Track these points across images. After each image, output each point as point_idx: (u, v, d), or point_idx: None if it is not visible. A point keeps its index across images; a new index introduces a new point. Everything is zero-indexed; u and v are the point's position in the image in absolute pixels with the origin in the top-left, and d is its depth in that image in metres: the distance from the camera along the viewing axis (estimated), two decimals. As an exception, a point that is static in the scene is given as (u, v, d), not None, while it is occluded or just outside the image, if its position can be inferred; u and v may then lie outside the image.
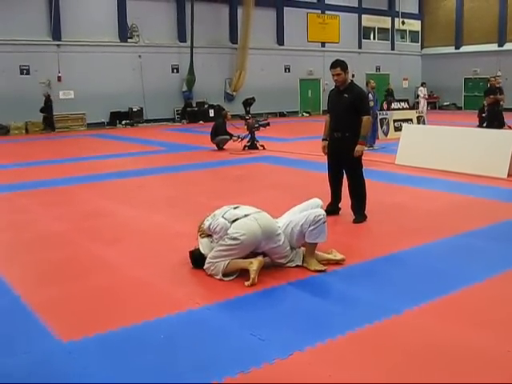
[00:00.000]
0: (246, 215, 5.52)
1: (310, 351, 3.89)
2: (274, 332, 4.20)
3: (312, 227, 5.55)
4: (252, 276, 5.17)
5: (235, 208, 5.70)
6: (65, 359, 3.86)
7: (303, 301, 4.90)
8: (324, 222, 5.62)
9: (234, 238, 5.34)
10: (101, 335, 4.18)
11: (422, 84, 32.84)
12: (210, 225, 5.53)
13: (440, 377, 3.55)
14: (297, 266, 5.67)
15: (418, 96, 33.17)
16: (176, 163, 13.87)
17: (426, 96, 32.45)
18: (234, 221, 5.45)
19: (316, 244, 5.67)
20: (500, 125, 18.10)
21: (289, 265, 5.69)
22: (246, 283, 5.15)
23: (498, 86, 19.58)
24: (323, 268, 5.58)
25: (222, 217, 5.53)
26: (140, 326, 4.33)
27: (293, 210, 5.97)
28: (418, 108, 28.99)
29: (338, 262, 5.76)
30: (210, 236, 5.65)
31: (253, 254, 5.53)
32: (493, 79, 19.59)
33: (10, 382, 3.57)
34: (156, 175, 12.02)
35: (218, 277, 5.35)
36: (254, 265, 5.24)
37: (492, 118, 18.41)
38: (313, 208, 5.84)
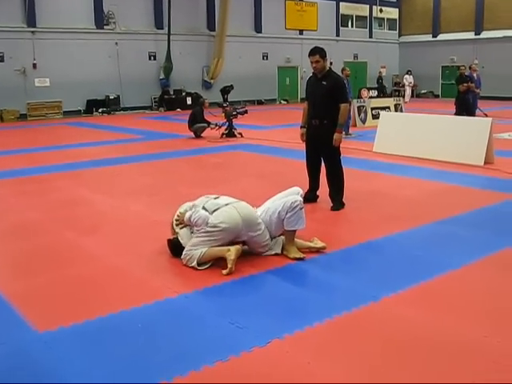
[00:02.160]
0: (226, 204, 5.52)
1: (289, 339, 3.88)
2: (253, 320, 4.20)
3: (289, 214, 5.57)
4: (229, 265, 5.14)
5: (215, 198, 5.69)
6: (41, 350, 3.82)
7: (281, 289, 4.90)
8: (301, 208, 5.63)
9: (215, 226, 5.33)
10: (77, 325, 4.14)
11: (408, 72, 32.95)
12: (190, 217, 5.48)
13: (417, 363, 3.57)
14: (276, 255, 5.67)
15: (403, 85, 33.36)
16: (153, 151, 13.77)
17: (412, 84, 32.59)
18: (214, 210, 5.44)
19: (295, 231, 5.67)
20: (470, 114, 17.94)
21: (268, 253, 5.68)
22: (224, 272, 5.13)
23: (467, 74, 19.52)
24: (302, 256, 5.58)
25: (203, 208, 5.50)
26: (117, 316, 4.30)
27: (273, 198, 5.96)
28: (403, 95, 29.30)
29: (318, 250, 5.76)
30: (189, 226, 5.61)
31: (232, 243, 5.51)
32: (462, 68, 19.55)
33: (-15, 373, 3.52)
34: (133, 163, 11.93)
35: (191, 264, 5.31)
36: (232, 253, 5.21)
37: (462, 107, 18.31)
38: (289, 195, 5.84)
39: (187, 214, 5.54)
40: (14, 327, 4.16)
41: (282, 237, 5.77)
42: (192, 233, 5.54)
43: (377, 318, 4.24)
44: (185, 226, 5.64)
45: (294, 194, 5.86)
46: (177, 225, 5.70)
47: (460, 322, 4.14)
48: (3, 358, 3.72)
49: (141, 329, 4.10)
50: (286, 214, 5.57)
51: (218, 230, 5.33)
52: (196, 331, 4.05)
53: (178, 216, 5.70)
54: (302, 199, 5.75)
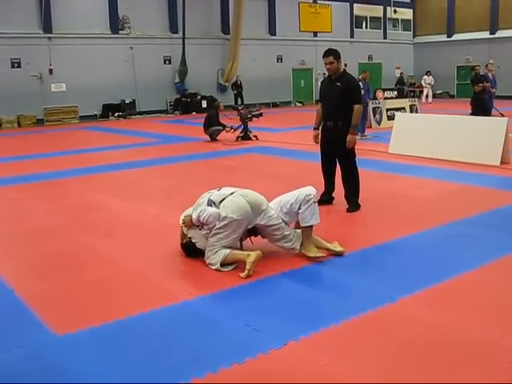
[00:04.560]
0: (231, 193, 5.56)
1: (305, 341, 3.89)
2: (269, 322, 4.21)
3: (303, 208, 5.59)
4: (248, 267, 5.16)
5: (219, 190, 5.71)
6: (60, 352, 3.85)
7: (298, 291, 4.91)
8: (315, 202, 5.67)
9: (225, 217, 5.34)
10: (95, 328, 4.17)
11: (427, 72, 32.76)
12: (198, 217, 5.42)
13: (434, 365, 3.56)
14: (293, 249, 5.70)
15: (419, 85, 33.26)
16: (169, 155, 13.83)
17: (432, 83, 32.42)
18: (221, 201, 5.46)
19: (311, 227, 5.68)
20: (485, 114, 17.73)
21: (286, 245, 5.71)
22: (241, 274, 5.14)
23: (482, 74, 19.43)
24: (323, 255, 5.59)
25: (209, 203, 5.49)
26: (135, 318, 4.33)
27: (284, 194, 5.98)
28: (418, 96, 29.22)
29: (337, 254, 5.73)
30: (197, 227, 5.59)
31: (247, 234, 5.65)
32: (477, 67, 19.47)
33: (6, 376, 3.56)
34: (149, 167, 11.99)
35: (215, 267, 5.33)
36: (252, 257, 5.22)
37: (478, 107, 18.17)
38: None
39: (194, 215, 5.49)
40: (34, 330, 4.20)
41: (300, 230, 5.79)
42: (200, 230, 5.55)
43: (393, 319, 4.23)
44: (193, 228, 5.62)
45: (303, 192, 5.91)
46: (184, 226, 5.69)
47: (477, 323, 4.12)
48: (23, 360, 3.77)
49: (158, 331, 4.12)
50: (300, 207, 5.60)
51: (230, 221, 5.34)
52: (212, 333, 4.06)
53: (182, 221, 5.68)
54: (315, 193, 5.77)
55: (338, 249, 5.76)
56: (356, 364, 3.60)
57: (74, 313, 4.51)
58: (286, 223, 5.73)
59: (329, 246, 5.78)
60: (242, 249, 5.64)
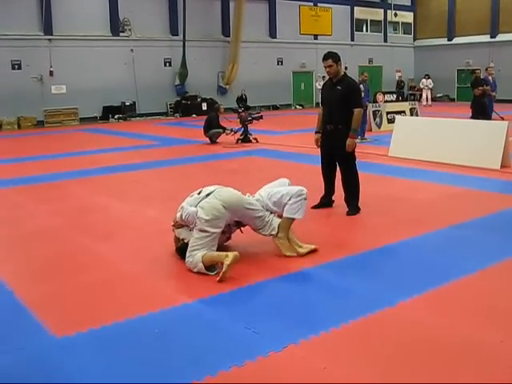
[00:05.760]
0: (207, 195, 5.63)
1: (304, 344, 3.89)
2: (268, 325, 4.21)
3: (293, 200, 5.69)
4: (223, 269, 5.08)
5: (199, 193, 5.78)
6: (59, 355, 3.85)
7: (297, 294, 4.90)
8: (305, 199, 5.77)
9: (201, 218, 5.40)
10: (94, 330, 4.17)
11: (425, 76, 32.85)
12: (181, 216, 5.57)
13: (434, 368, 3.56)
14: (270, 235, 5.79)
15: (419, 89, 33.38)
16: (169, 157, 13.84)
17: (431, 86, 32.51)
18: (197, 204, 5.54)
19: (293, 220, 5.74)
20: (485, 118, 17.70)
21: (263, 233, 5.80)
22: (217, 278, 5.10)
23: (483, 77, 19.47)
24: (294, 254, 5.69)
25: (190, 206, 5.61)
26: (134, 321, 4.32)
27: (277, 185, 6.08)
28: (418, 99, 29.36)
29: (298, 254, 5.76)
30: (185, 226, 5.71)
31: (236, 225, 5.80)
32: (477, 71, 19.48)
33: (4, 378, 3.55)
34: (149, 169, 11.99)
35: (196, 269, 5.31)
36: (229, 259, 5.12)
37: (478, 111, 18.14)
38: (280, 186, 6.02)
39: (178, 215, 5.65)
40: (33, 332, 4.20)
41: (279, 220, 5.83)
42: (190, 230, 5.63)
43: (393, 323, 4.23)
44: (181, 227, 5.74)
45: (282, 185, 6.05)
46: (173, 224, 5.85)
47: (476, 327, 4.12)
48: (22, 362, 3.76)
49: (157, 334, 4.12)
50: (289, 200, 5.69)
51: (202, 222, 5.39)
52: (212, 336, 4.06)
53: (173, 221, 5.87)
54: (306, 191, 5.85)
55: (302, 250, 5.77)
56: (355, 367, 3.59)
57: (73, 315, 4.51)
58: (271, 212, 5.80)
59: (296, 244, 5.81)
60: (227, 241, 5.90)
